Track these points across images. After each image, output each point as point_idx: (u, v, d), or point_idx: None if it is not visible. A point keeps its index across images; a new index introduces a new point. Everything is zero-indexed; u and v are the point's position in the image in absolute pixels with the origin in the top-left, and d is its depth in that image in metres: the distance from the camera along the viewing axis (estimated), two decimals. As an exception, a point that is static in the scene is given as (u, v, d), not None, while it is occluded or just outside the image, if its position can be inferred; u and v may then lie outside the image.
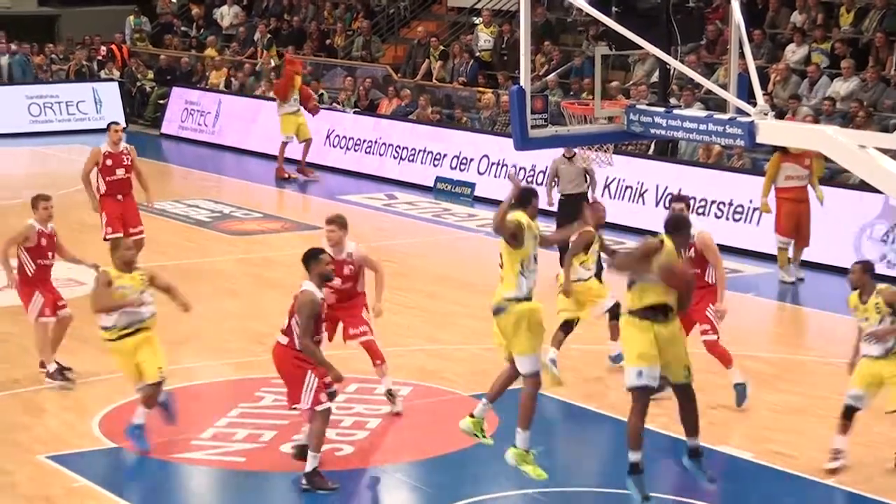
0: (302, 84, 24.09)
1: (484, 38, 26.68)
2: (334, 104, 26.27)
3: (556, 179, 16.62)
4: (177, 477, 11.14)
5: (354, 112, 25.46)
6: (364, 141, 24.57)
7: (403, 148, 23.83)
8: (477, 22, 27.41)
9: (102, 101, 29.42)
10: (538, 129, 10.26)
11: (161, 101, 30.40)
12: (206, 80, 30.23)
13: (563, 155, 16.25)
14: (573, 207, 14.76)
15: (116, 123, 16.97)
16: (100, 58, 31.68)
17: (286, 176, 23.66)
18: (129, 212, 16.40)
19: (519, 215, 10.04)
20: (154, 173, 25.03)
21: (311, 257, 10.77)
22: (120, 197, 16.29)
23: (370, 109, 25.72)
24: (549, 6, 25.68)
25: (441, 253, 19.07)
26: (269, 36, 31.09)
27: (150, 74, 31.58)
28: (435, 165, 23.13)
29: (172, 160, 27.44)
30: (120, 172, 16.23)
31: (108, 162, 16.19)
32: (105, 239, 15.87)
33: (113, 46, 32.12)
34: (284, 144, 23.68)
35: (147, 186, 17.05)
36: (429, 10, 30.35)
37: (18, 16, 33.48)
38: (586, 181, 16.42)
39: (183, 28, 33.79)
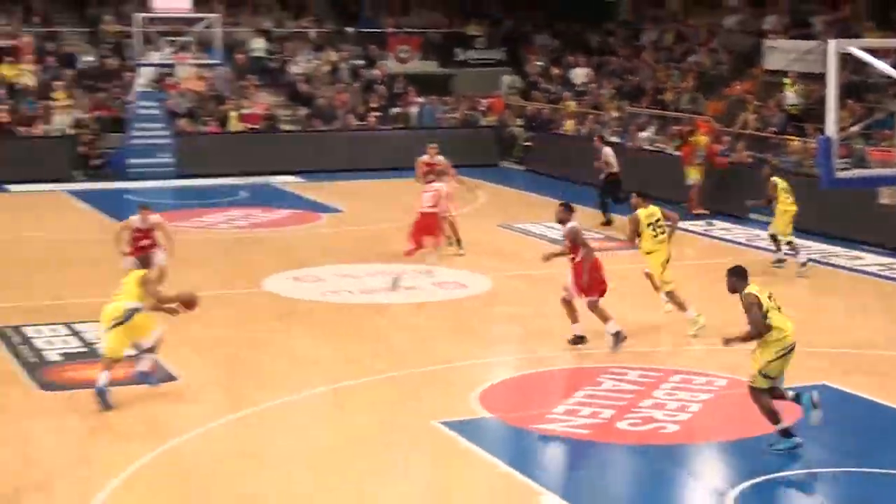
0: (709, 143, 23.98)
1: (792, 95, 25.97)
2: (658, 148, 26.27)
3: None
4: (535, 443, 11.21)
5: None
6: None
7: (723, 184, 23.44)
8: (786, 82, 26.65)
9: (482, 143, 30.13)
10: (843, 172, 9.96)
11: (527, 143, 30.87)
12: (561, 126, 30.54)
13: None
14: None
15: (433, 145, 20.25)
16: (481, 108, 32.48)
17: (699, 212, 23.17)
18: None
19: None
20: (519, 200, 25.64)
21: None
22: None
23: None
24: (854, 70, 24.67)
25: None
26: (613, 91, 31.10)
27: (519, 122, 32.15)
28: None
29: (534, 190, 27.79)
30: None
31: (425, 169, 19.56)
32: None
33: (492, 99, 32.88)
34: (692, 187, 23.35)
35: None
36: (746, 71, 29.65)
37: (424, 75, 34.62)
38: None
39: (545, 85, 34.20)
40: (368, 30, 35.31)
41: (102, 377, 11.46)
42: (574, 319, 13.72)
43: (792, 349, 10.40)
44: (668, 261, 14.56)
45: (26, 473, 9.99)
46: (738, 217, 22.33)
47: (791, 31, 29.21)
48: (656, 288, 14.70)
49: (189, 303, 12.20)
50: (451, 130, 30.38)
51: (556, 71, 34.35)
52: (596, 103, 31.29)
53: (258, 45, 32.98)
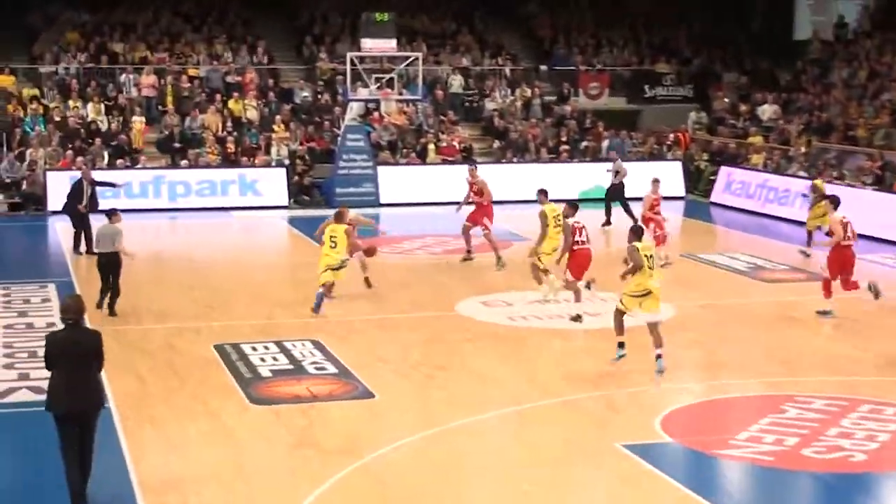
0: None
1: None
2: (849, 183, 25.29)
3: None
4: (717, 468, 10.91)
5: (874, 189, 24.34)
6: (879, 211, 23.25)
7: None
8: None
9: (667, 176, 29.54)
10: None
11: (712, 177, 30.24)
12: (747, 160, 29.79)
13: None
14: None
15: (473, 166, 21.29)
16: (668, 143, 31.98)
17: None
18: None
19: None
20: (704, 232, 25.11)
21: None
22: None
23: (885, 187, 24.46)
24: None
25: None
26: (801, 127, 30.16)
27: (705, 156, 31.53)
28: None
29: (718, 222, 27.22)
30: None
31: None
32: None
33: (678, 134, 32.36)
34: None
35: None
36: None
37: (613, 111, 34.38)
38: None
39: (731, 121, 33.48)
40: (561, 68, 35.29)
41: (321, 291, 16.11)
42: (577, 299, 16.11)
43: (644, 295, 13.21)
44: (555, 250, 16.67)
45: (236, 481, 10.24)
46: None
47: None
48: (543, 272, 16.95)
49: (370, 251, 17.20)
50: (639, 163, 29.95)
51: (743, 107, 33.57)
52: (783, 139, 30.42)
53: (456, 82, 33.36)
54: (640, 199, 20.93)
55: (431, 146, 30.33)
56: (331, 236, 16.25)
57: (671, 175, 29.95)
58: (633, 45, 37.21)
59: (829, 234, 16.88)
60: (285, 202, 28.03)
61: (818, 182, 22.08)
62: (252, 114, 30.76)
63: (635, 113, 34.98)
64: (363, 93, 28.53)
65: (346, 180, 28.27)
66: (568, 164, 30.27)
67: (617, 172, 24.96)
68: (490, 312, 16.67)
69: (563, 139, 31.38)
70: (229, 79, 31.99)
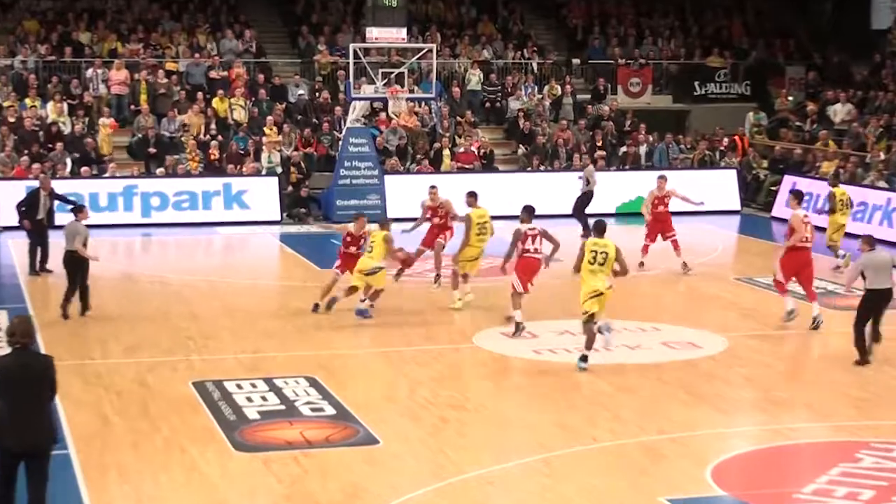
0: None
1: None
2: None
3: None
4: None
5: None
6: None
7: None
8: None
9: (721, 187, 29.63)
10: None
11: (773, 188, 30.22)
12: (816, 169, 29.75)
13: None
14: None
15: (434, 187, 21.18)
16: (721, 148, 32.00)
17: None
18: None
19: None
20: (761, 251, 25.02)
21: None
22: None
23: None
24: None
25: None
26: (880, 130, 30.13)
27: (765, 164, 31.54)
28: None
29: (780, 240, 27.08)
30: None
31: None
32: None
33: (734, 138, 32.38)
34: None
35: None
36: None
37: (656, 111, 34.43)
38: None
39: (797, 123, 33.49)
40: (596, 61, 35.36)
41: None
42: (515, 306, 16.86)
43: (595, 296, 14.73)
44: (476, 258, 18.65)
45: (217, 537, 10.25)
46: None
47: None
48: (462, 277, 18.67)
49: (408, 261, 18.82)
50: (687, 172, 29.94)
51: (810, 107, 33.56)
52: (859, 143, 30.35)
53: (476, 78, 33.47)
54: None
55: (447, 152, 30.42)
56: (371, 241, 17.80)
57: (725, 185, 30.03)
58: (681, 36, 37.29)
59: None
60: (277, 217, 28.13)
61: (837, 190, 22.84)
62: (239, 114, 30.93)
63: (683, 113, 35.02)
64: (368, 90, 28.61)
65: (347, 191, 28.35)
66: (604, 172, 30.21)
67: (588, 181, 25.72)
68: (513, 345, 16.67)
69: (599, 144, 31.41)
70: (213, 74, 32.18)
